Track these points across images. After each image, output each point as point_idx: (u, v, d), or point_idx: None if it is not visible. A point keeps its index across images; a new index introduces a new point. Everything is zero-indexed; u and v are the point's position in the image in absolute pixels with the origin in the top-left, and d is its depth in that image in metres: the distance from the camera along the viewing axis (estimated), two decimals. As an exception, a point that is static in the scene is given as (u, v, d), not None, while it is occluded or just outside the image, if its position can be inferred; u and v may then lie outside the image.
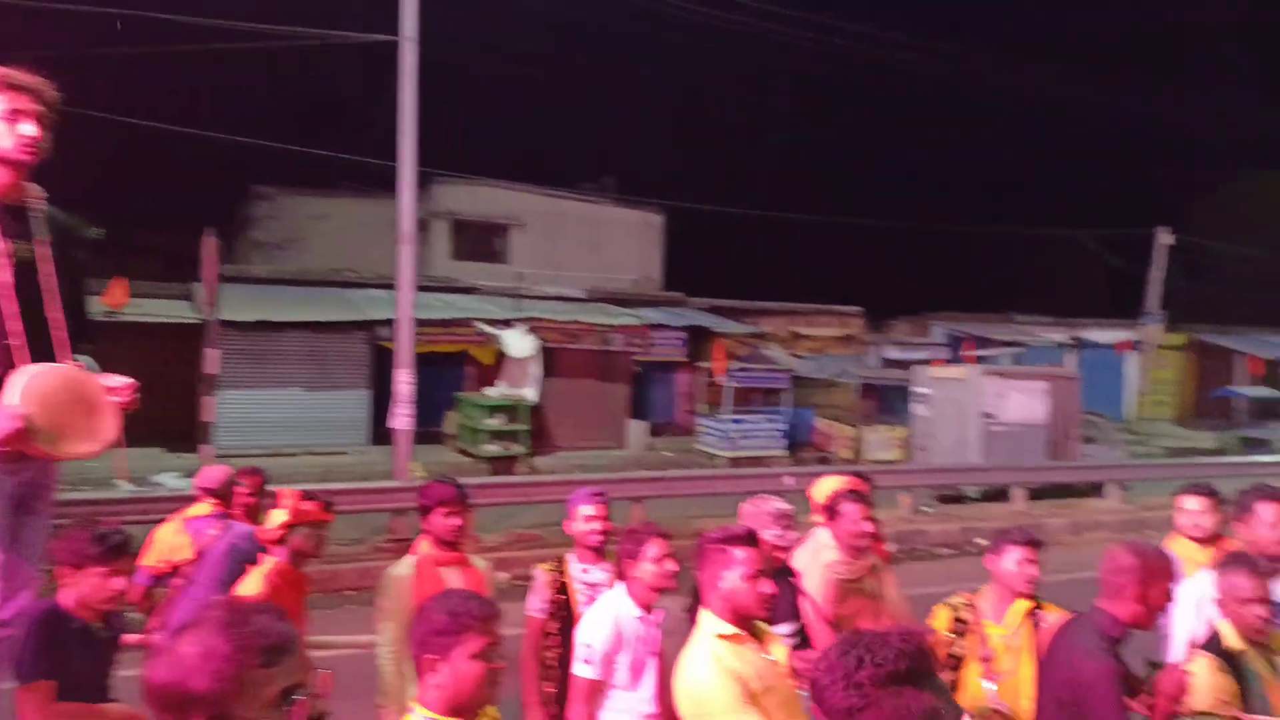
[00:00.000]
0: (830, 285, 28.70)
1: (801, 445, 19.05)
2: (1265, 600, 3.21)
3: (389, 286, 13.41)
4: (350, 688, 4.24)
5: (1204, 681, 3.05)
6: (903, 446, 17.58)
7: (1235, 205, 36.82)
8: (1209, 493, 4.31)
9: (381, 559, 8.38)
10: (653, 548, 3.43)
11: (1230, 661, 3.12)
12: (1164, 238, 24.83)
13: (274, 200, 23.59)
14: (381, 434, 14.28)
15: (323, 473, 14.00)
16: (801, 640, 3.83)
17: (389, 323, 13.94)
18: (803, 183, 33.18)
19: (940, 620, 3.61)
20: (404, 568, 3.83)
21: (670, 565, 3.44)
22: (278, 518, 3.80)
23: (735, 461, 17.28)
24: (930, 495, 13.82)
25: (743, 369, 20.84)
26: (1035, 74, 29.65)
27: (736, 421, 18.69)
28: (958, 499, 14.15)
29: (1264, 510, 3.87)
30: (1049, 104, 29.61)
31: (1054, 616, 3.43)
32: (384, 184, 13.30)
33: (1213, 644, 3.20)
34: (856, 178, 36.86)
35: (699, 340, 22.38)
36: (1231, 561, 3.37)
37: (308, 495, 3.92)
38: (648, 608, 3.45)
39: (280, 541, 3.79)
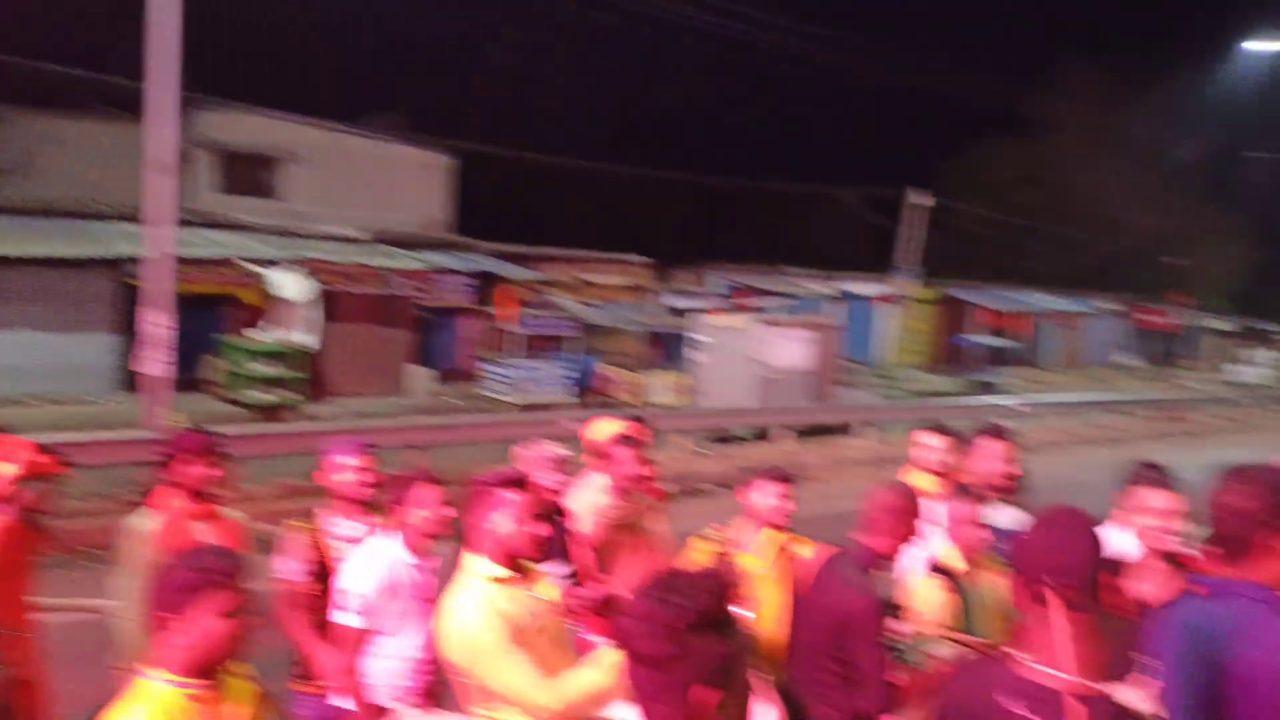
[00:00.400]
0: (617, 234, 29.13)
1: (588, 391, 19.33)
2: (984, 525, 3.62)
3: (140, 220, 12.28)
4: (88, 652, 3.94)
5: (933, 599, 3.40)
6: (682, 391, 18.22)
7: (981, 169, 40.56)
8: (942, 430, 4.75)
9: (128, 515, 7.78)
10: (423, 493, 3.37)
11: (954, 581, 3.49)
12: (915, 198, 26.74)
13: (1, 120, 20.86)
14: (135, 381, 13.16)
15: (66, 422, 12.77)
16: (575, 581, 3.92)
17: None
18: (591, 131, 33.21)
19: (698, 554, 3.80)
20: (147, 521, 3.57)
21: (445, 511, 3.40)
22: (6, 471, 3.46)
23: (525, 408, 17.30)
24: (707, 436, 14.46)
25: (534, 316, 20.81)
26: (821, 38, 31.01)
27: (523, 368, 18.68)
28: (732, 439, 14.89)
29: (988, 445, 4.34)
30: (826, 66, 31.15)
31: (805, 549, 3.69)
32: (135, 106, 12.03)
33: (940, 566, 3.56)
34: (642, 129, 37.35)
35: (487, 286, 22.06)
36: (958, 490, 3.77)
37: (43, 447, 3.59)
38: (421, 554, 3.41)
39: (8, 498, 3.46)
